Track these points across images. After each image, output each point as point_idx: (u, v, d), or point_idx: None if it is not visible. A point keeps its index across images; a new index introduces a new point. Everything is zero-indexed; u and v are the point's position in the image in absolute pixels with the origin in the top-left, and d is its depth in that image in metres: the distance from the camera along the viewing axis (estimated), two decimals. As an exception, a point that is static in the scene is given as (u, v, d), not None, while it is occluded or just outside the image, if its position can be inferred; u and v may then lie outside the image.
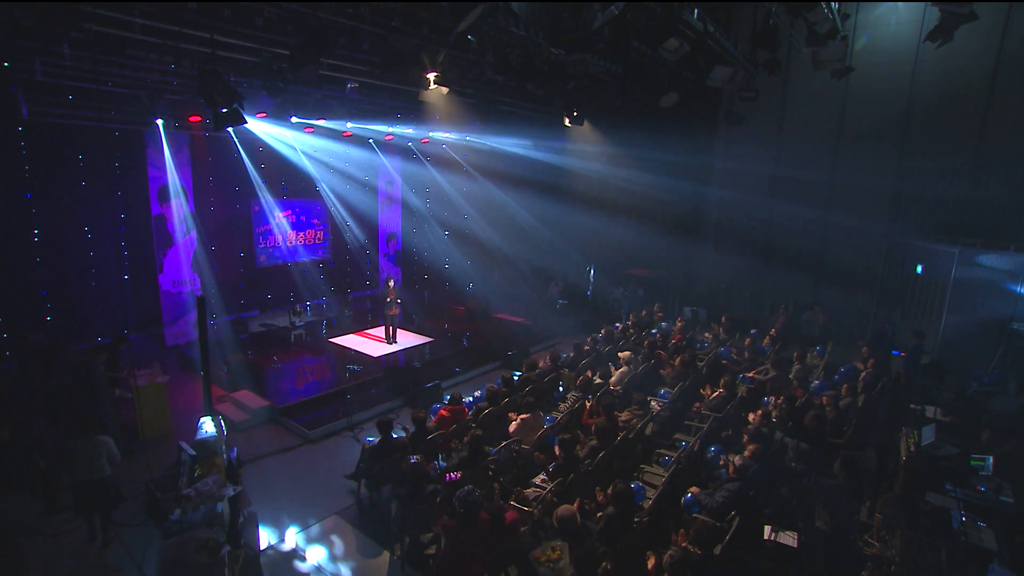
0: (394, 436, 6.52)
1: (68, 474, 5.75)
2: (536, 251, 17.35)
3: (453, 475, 5.42)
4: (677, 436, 7.31)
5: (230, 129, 8.37)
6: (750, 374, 8.64)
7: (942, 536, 4.83)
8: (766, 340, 10.42)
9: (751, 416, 6.82)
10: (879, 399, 7.80)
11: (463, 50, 7.48)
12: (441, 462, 6.59)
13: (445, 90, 8.82)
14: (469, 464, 5.65)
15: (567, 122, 11.89)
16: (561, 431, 6.72)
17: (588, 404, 7.35)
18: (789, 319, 12.07)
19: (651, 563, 4.21)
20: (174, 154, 11.19)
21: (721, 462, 6.00)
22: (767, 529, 5.00)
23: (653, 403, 7.50)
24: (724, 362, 9.47)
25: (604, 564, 4.13)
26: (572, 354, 9.48)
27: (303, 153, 14.07)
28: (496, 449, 6.27)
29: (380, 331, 12.58)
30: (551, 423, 7.04)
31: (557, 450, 5.83)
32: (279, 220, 14.42)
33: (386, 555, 5.70)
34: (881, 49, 11.94)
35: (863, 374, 8.39)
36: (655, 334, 10.64)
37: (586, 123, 11.80)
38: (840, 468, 5.23)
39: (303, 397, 9.21)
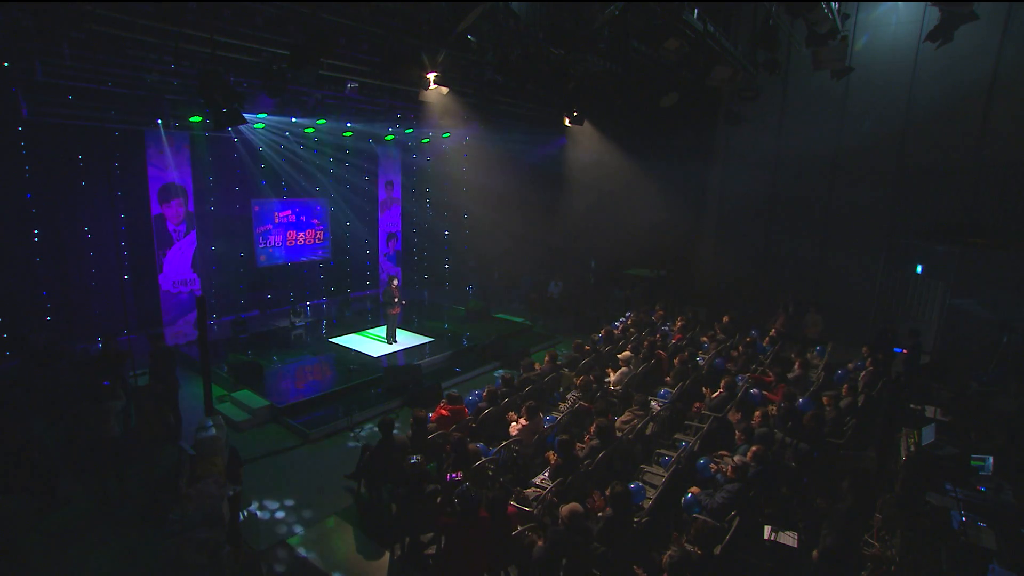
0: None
1: (77, 434, 6.16)
2: (536, 251, 17.35)
3: (453, 475, 5.43)
4: (677, 436, 7.30)
5: (230, 129, 8.37)
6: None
7: (942, 536, 4.82)
8: (766, 340, 10.41)
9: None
10: (879, 399, 7.79)
11: (463, 50, 7.48)
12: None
13: (445, 90, 8.82)
14: (461, 466, 5.65)
15: (567, 122, 11.89)
16: (561, 431, 6.72)
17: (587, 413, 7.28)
18: (789, 319, 12.05)
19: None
20: (174, 154, 11.19)
21: (713, 468, 5.96)
22: (767, 529, 5.00)
23: (653, 403, 7.50)
24: (729, 364, 9.42)
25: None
26: (572, 354, 9.48)
27: (303, 153, 14.08)
28: (496, 449, 6.27)
29: (381, 330, 12.57)
30: (551, 423, 7.03)
31: (553, 455, 5.82)
32: (279, 220, 14.42)
33: (386, 555, 5.70)
34: (881, 49, 11.93)
35: (863, 374, 8.37)
36: (655, 334, 10.62)
37: (586, 123, 11.81)
38: (849, 489, 5.16)
39: (303, 397, 9.20)
